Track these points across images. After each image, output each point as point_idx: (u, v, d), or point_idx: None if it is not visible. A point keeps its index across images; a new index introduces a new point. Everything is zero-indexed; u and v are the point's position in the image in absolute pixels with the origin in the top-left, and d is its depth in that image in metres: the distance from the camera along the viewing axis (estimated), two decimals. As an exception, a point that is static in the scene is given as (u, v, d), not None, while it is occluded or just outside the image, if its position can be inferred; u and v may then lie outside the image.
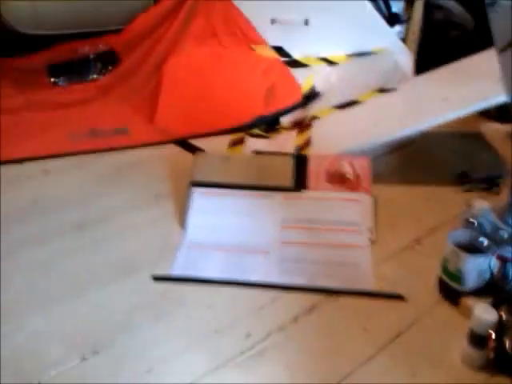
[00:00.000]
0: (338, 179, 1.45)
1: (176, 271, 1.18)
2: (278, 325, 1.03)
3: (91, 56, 2.03)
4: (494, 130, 1.16)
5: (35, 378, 0.90)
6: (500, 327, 0.94)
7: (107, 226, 1.33)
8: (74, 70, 2.01)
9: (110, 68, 2.03)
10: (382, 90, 1.97)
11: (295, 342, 1.00)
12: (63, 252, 1.23)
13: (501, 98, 1.37)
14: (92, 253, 1.23)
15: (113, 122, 1.81)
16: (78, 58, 2.03)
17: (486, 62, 1.66)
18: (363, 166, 1.46)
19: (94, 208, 1.40)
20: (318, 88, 2.06)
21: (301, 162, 1.50)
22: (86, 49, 2.04)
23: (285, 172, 1.47)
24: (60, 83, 1.97)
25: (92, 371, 0.92)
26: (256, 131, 1.88)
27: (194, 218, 1.34)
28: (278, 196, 1.42)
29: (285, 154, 1.58)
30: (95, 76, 2.01)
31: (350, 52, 2.16)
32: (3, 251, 1.21)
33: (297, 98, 2.00)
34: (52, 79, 1.97)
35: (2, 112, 1.75)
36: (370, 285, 1.16)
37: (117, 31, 2.06)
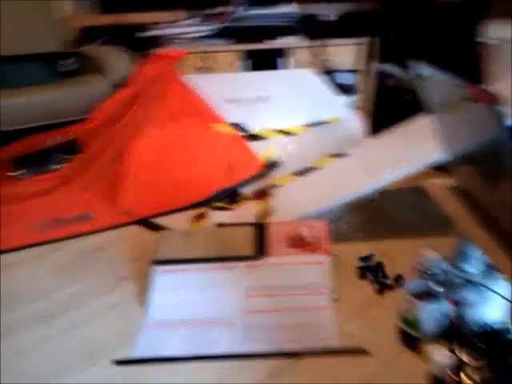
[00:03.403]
0: (298, 243, 1.48)
1: (139, 353, 1.16)
2: (243, 395, 1.02)
3: (52, 147, 2.08)
4: (435, 186, 1.21)
5: None
6: (461, 370, 0.94)
7: (70, 315, 1.32)
8: (37, 162, 2.06)
9: (71, 157, 2.09)
10: (337, 155, 2.06)
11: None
12: (27, 345, 1.21)
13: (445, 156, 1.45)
14: (56, 343, 1.22)
15: (75, 208, 1.84)
16: (40, 149, 2.09)
17: (431, 122, 1.78)
18: (321, 228, 1.50)
19: (56, 298, 1.40)
20: (277, 158, 2.14)
21: (261, 229, 1.53)
22: (48, 140, 2.10)
23: (246, 241, 1.50)
24: (23, 176, 2.01)
25: None
26: (219, 204, 1.93)
27: (156, 296, 1.34)
28: (241, 265, 1.43)
29: (245, 224, 1.62)
30: (57, 166, 2.07)
31: (304, 123, 2.27)
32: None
33: (256, 169, 2.08)
34: (15, 172, 2.01)
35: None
36: (333, 343, 1.16)
37: (78, 121, 2.13)
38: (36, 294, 1.43)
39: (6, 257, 1.62)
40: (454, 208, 1.11)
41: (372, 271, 1.42)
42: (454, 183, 1.20)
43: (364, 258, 1.47)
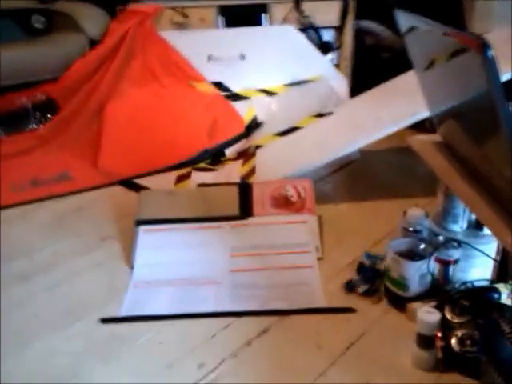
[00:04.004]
0: (283, 203, 1.48)
1: (124, 312, 1.16)
2: (231, 351, 1.02)
3: (29, 106, 2.01)
4: (420, 142, 1.21)
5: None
6: (445, 327, 0.96)
7: (53, 274, 1.31)
8: (13, 122, 1.99)
9: (49, 116, 2.02)
10: (320, 115, 2.04)
11: (249, 366, 0.99)
12: (9, 303, 1.20)
13: (426, 113, 1.44)
14: (38, 301, 1.21)
15: (54, 169, 1.80)
16: (16, 109, 2.01)
17: (413, 80, 1.77)
18: (306, 188, 1.49)
19: (38, 257, 1.38)
20: (260, 118, 2.11)
21: (245, 189, 1.51)
22: (24, 99, 2.02)
23: (230, 201, 1.49)
24: (-1, 135, 1.95)
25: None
26: (202, 165, 1.90)
27: (141, 256, 1.33)
28: (226, 225, 1.43)
29: (229, 184, 1.60)
30: (35, 126, 2.00)
31: (287, 82, 2.24)
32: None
33: (239, 129, 2.05)
34: (-11, 133, 1.95)
35: None
36: (320, 302, 1.17)
37: (54, 79, 2.06)
38: (18, 253, 1.40)
39: (-17, 217, 1.58)
40: (438, 163, 1.11)
41: (369, 273, 1.21)
42: (439, 139, 1.20)
43: (372, 257, 1.25)
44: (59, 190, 1.72)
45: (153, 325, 1.11)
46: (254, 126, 2.09)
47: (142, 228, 1.38)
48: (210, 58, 2.22)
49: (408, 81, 1.80)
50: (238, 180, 1.72)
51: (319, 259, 1.32)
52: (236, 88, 2.18)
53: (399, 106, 1.70)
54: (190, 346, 1.04)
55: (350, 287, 1.20)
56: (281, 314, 1.13)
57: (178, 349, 1.04)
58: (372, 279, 1.19)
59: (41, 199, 1.68)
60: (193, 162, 1.90)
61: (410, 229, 1.13)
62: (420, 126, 1.73)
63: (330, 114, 2.00)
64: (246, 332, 1.08)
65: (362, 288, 1.18)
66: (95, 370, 0.99)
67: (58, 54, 2.09)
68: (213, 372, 0.97)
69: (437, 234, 1.14)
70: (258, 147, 1.94)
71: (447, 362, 0.97)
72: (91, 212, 1.60)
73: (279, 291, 1.22)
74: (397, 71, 1.94)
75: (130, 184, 1.77)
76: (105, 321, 1.12)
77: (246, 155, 1.91)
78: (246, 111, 2.12)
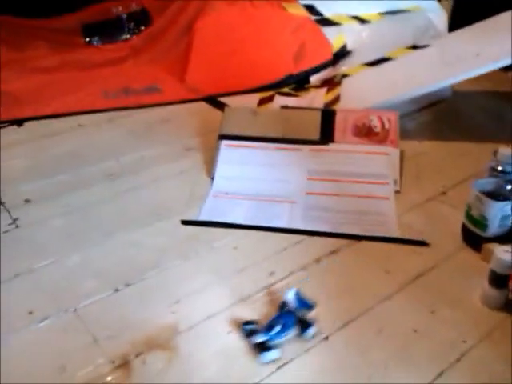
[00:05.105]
0: (365, 132, 1.46)
1: (203, 217, 1.22)
2: (300, 265, 1.06)
3: (124, 16, 2.05)
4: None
5: (72, 305, 0.96)
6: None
7: (138, 176, 1.38)
8: (108, 30, 2.04)
9: (142, 28, 2.06)
10: (414, 47, 1.94)
11: (317, 280, 1.02)
12: (97, 198, 1.29)
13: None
14: (124, 200, 1.29)
15: (145, 80, 1.85)
16: (112, 17, 2.07)
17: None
18: (391, 120, 1.46)
19: (125, 160, 1.46)
20: (349, 46, 2.04)
21: (328, 115, 1.50)
22: (119, 8, 2.06)
23: (312, 125, 1.49)
24: (94, 43, 2.01)
25: (124, 301, 0.97)
26: (285, 90, 1.89)
27: (222, 168, 1.37)
28: (305, 149, 1.43)
29: (312, 109, 1.59)
30: (128, 36, 2.04)
31: (382, 10, 2.13)
32: (43, 195, 1.29)
33: (327, 56, 2.00)
34: (86, 39, 2.01)
35: (38, 71, 1.80)
36: (393, 232, 1.17)
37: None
38: (104, 154, 1.48)
39: (74, 118, 1.67)
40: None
41: (289, 321, 0.88)
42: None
43: (301, 303, 0.92)
44: (148, 101, 1.77)
45: (228, 232, 1.16)
46: (342, 53, 2.03)
47: (224, 142, 1.42)
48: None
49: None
50: (319, 107, 1.70)
51: (396, 192, 1.31)
52: (328, 13, 2.10)
53: (501, 43, 1.59)
54: (261, 256, 1.09)
55: (247, 331, 0.87)
56: (351, 238, 1.15)
57: (251, 256, 1.09)
58: (286, 330, 0.85)
59: (130, 108, 1.75)
60: (277, 86, 1.90)
61: (499, 168, 1.09)
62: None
63: (424, 46, 1.90)
64: (316, 250, 1.11)
65: (259, 337, 0.83)
66: (175, 265, 1.07)
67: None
68: (282, 281, 1.02)
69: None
70: (344, 76, 1.90)
71: (518, 304, 0.96)
72: (177, 124, 1.65)
73: (352, 217, 1.23)
74: (501, 9, 1.80)
75: (213, 102, 1.80)
76: (185, 223, 1.19)
77: (331, 83, 1.88)
78: (335, 38, 2.05)
